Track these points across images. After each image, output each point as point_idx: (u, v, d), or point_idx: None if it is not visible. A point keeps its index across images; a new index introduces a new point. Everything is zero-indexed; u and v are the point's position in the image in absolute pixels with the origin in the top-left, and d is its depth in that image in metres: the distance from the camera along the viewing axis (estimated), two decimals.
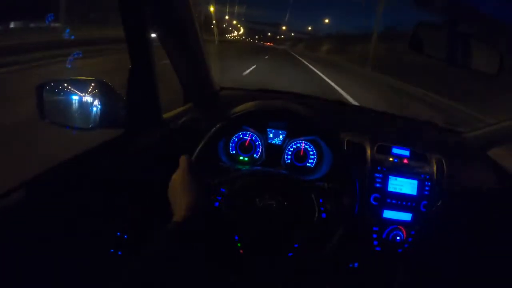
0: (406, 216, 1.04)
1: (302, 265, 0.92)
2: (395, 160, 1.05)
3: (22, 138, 2.74)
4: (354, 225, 0.94)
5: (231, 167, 1.06)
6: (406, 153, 1.06)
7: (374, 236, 1.03)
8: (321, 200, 0.92)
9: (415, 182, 1.05)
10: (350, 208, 0.92)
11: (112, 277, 0.58)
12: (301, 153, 1.12)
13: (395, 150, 1.06)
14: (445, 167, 1.08)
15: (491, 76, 1.01)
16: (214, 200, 0.91)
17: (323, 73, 13.80)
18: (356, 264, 1.05)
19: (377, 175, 1.03)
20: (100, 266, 0.88)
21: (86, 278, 0.84)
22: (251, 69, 11.83)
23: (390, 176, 1.04)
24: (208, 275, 0.89)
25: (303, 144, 1.12)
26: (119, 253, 0.96)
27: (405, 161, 1.06)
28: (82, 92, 0.88)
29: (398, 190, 1.04)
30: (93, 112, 0.89)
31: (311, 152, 1.12)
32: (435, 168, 1.07)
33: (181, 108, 1.16)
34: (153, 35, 0.93)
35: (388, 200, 1.03)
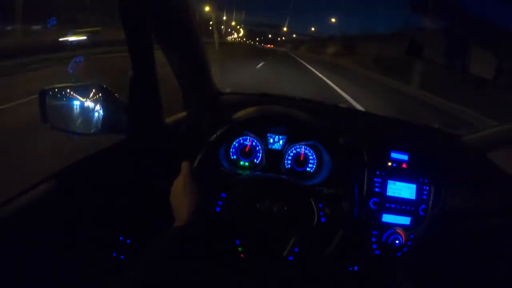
0: (405, 220, 1.05)
1: (302, 269, 0.92)
2: (394, 165, 1.06)
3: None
4: (353, 229, 0.95)
5: (232, 172, 1.06)
6: (405, 157, 1.07)
7: (373, 240, 1.04)
8: (320, 205, 0.93)
9: (413, 186, 1.06)
10: (349, 213, 0.92)
11: (115, 281, 0.59)
12: (301, 158, 1.12)
13: (394, 155, 1.06)
14: (444, 170, 1.09)
15: (489, 80, 1.02)
16: (215, 205, 0.92)
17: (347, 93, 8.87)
18: (355, 268, 1.05)
19: (376, 179, 1.04)
20: (103, 270, 0.88)
21: (89, 282, 0.85)
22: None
23: (389, 181, 1.05)
24: (209, 279, 0.89)
25: (303, 149, 1.13)
26: (122, 257, 0.97)
27: (404, 165, 1.06)
28: (84, 98, 0.89)
29: (397, 195, 1.05)
30: (95, 118, 0.90)
31: (311, 157, 1.13)
32: (433, 172, 1.08)
33: (182, 113, 1.17)
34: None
35: (387, 204, 1.04)
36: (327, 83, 11.14)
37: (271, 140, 1.13)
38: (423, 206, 1.05)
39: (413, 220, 1.05)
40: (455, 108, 8.75)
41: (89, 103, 0.89)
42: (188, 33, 0.96)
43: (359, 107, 7.02)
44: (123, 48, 0.86)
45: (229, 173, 1.05)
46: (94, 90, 0.90)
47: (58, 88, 0.88)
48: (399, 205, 1.04)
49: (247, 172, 1.05)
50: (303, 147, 1.13)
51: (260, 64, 15.06)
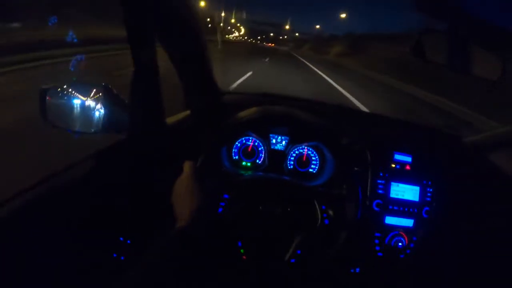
0: (408, 222, 1.04)
1: (304, 271, 0.92)
2: (397, 167, 1.05)
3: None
4: (356, 231, 0.94)
5: (234, 172, 1.06)
6: (408, 159, 1.06)
7: (376, 241, 1.03)
8: (323, 207, 0.92)
9: (417, 188, 1.05)
10: (353, 214, 0.92)
11: (115, 282, 0.58)
12: (304, 158, 1.12)
13: (397, 156, 1.06)
14: (447, 172, 1.08)
15: (493, 82, 1.01)
16: (217, 206, 0.91)
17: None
18: (357, 269, 1.04)
19: (379, 181, 1.03)
20: (103, 270, 0.88)
21: (89, 282, 0.84)
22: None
23: (392, 182, 1.04)
24: (210, 280, 0.89)
25: (306, 150, 1.12)
26: (122, 257, 0.96)
27: (407, 167, 1.06)
28: (85, 96, 0.88)
29: (400, 196, 1.04)
30: (96, 117, 0.89)
31: (313, 158, 1.12)
32: (437, 174, 1.07)
33: (184, 113, 1.16)
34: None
35: (390, 206, 1.03)
36: (341, 92, 9.59)
37: (274, 141, 1.13)
38: (426, 208, 1.04)
39: (416, 222, 1.04)
40: (455, 108, 8.77)
41: (90, 102, 0.89)
42: (190, 32, 0.96)
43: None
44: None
45: (231, 173, 1.05)
46: (95, 89, 0.89)
47: (58, 86, 0.87)
48: (402, 207, 1.03)
49: (249, 172, 1.05)
50: (305, 147, 1.12)
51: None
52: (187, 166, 0.79)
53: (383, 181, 1.03)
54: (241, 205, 0.91)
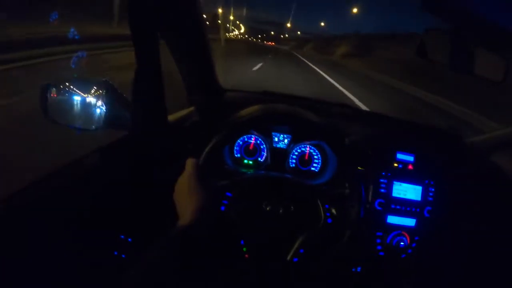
0: (410, 222, 1.04)
1: (306, 270, 0.92)
2: (400, 166, 1.05)
3: None
4: (358, 230, 0.94)
5: (236, 170, 1.05)
6: (411, 158, 1.06)
7: (378, 241, 1.03)
8: (326, 206, 0.92)
9: (419, 187, 1.05)
10: (356, 213, 0.91)
11: (116, 280, 0.58)
12: (306, 157, 1.12)
13: (400, 156, 1.05)
14: (449, 172, 1.08)
15: (497, 83, 1.01)
16: (220, 204, 0.91)
17: None
18: (359, 269, 1.04)
19: (381, 180, 1.03)
20: (104, 269, 0.87)
21: (90, 281, 0.84)
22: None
23: (394, 182, 1.04)
24: (212, 279, 0.89)
25: (308, 148, 1.12)
26: (123, 256, 0.96)
27: (410, 166, 1.05)
28: (86, 93, 0.88)
29: (402, 196, 1.04)
30: (97, 113, 0.88)
31: (315, 157, 1.12)
32: (439, 173, 1.07)
33: (186, 111, 1.16)
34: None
35: (393, 206, 1.03)
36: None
37: (276, 139, 1.12)
38: (429, 208, 1.04)
39: (418, 222, 1.04)
40: (455, 109, 8.71)
41: (91, 99, 0.88)
42: (193, 29, 0.95)
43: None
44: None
45: (233, 171, 1.04)
46: (97, 85, 0.89)
47: (60, 82, 0.87)
48: (404, 207, 1.03)
49: (251, 171, 1.04)
50: (308, 146, 1.12)
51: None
52: (189, 164, 0.78)
53: (385, 180, 1.03)
54: (243, 203, 0.90)
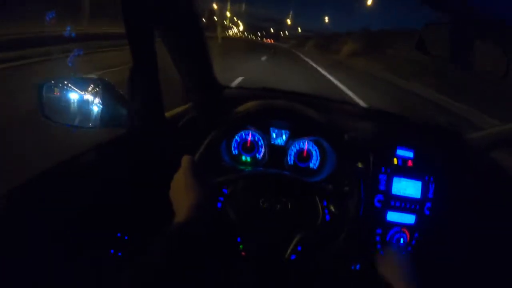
0: (409, 219, 1.03)
1: (305, 268, 0.91)
2: (399, 162, 1.04)
3: None
4: (357, 227, 0.93)
5: (233, 167, 1.05)
6: (410, 154, 1.05)
7: (378, 238, 1.02)
8: (325, 203, 0.91)
9: (419, 184, 1.04)
10: (355, 211, 0.91)
11: (113, 278, 0.57)
12: (304, 153, 1.11)
13: (400, 152, 1.05)
14: (449, 169, 1.07)
15: (498, 78, 1.00)
16: (216, 201, 0.90)
17: None
18: (358, 266, 1.04)
19: (381, 176, 1.02)
20: (100, 267, 0.87)
21: (86, 279, 0.84)
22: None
23: (394, 178, 1.03)
24: (209, 277, 0.88)
25: (306, 145, 1.11)
26: (119, 254, 0.95)
27: (410, 163, 1.05)
28: (83, 91, 0.87)
29: (402, 192, 1.03)
30: (94, 111, 0.88)
31: (314, 153, 1.11)
32: (439, 170, 1.06)
33: (183, 107, 1.15)
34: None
35: (392, 202, 1.02)
36: None
37: (274, 135, 1.11)
38: (428, 204, 1.04)
39: (418, 219, 1.03)
40: (455, 106, 8.60)
41: (88, 96, 0.88)
42: (189, 26, 0.94)
43: None
44: None
45: (231, 168, 1.04)
46: (93, 83, 0.88)
47: (56, 80, 0.86)
48: (404, 203, 1.03)
49: (249, 167, 1.03)
50: (306, 142, 1.11)
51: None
52: (184, 161, 0.78)
53: (385, 177, 1.02)
54: (240, 201, 0.90)
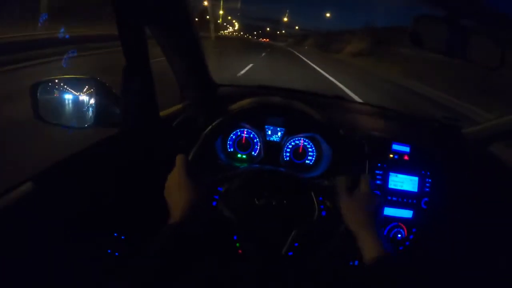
0: (407, 213, 1.03)
1: (302, 264, 0.91)
2: (396, 157, 1.04)
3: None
4: None
5: (229, 165, 1.04)
6: (407, 149, 1.05)
7: None
8: (320, 198, 0.91)
9: (415, 178, 1.04)
10: None
11: (110, 278, 0.57)
12: (300, 150, 1.11)
13: (396, 147, 1.05)
14: (446, 163, 1.07)
15: (492, 70, 1.00)
16: (211, 200, 0.90)
17: None
18: (356, 262, 1.04)
19: (377, 171, 1.02)
20: (97, 266, 0.87)
21: (84, 279, 0.83)
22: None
23: (390, 173, 1.03)
24: (206, 275, 0.88)
25: (302, 141, 1.11)
26: (116, 253, 0.95)
27: (406, 157, 1.05)
28: (77, 91, 0.87)
29: (398, 187, 1.03)
30: (89, 111, 0.88)
31: (310, 149, 1.11)
32: (436, 164, 1.06)
33: (178, 106, 1.15)
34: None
35: (389, 197, 1.02)
36: None
37: (269, 132, 1.11)
38: (425, 199, 1.04)
39: (415, 214, 1.04)
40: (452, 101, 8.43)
41: (82, 97, 0.87)
42: (183, 25, 0.94)
43: None
44: None
45: (226, 166, 1.03)
46: (87, 83, 0.88)
47: (50, 81, 0.86)
48: (401, 198, 1.03)
49: (245, 164, 1.03)
50: (302, 139, 1.11)
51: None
52: (178, 160, 0.78)
53: (381, 172, 1.02)
54: (236, 198, 0.89)
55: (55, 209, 0.78)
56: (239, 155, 1.11)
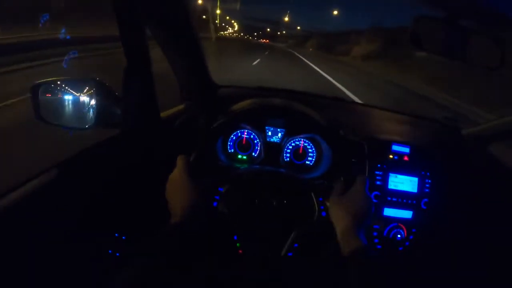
0: (406, 214, 1.03)
1: (301, 265, 0.91)
2: (395, 157, 1.04)
3: None
4: None
5: (230, 166, 1.05)
6: (406, 150, 1.05)
7: (375, 234, 1.03)
8: (320, 199, 0.91)
9: (415, 179, 1.04)
10: None
11: (111, 278, 0.58)
12: (300, 151, 1.11)
13: (395, 147, 1.05)
14: (445, 163, 1.07)
15: (492, 70, 1.00)
16: (212, 200, 0.90)
17: None
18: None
19: (377, 172, 1.02)
20: (98, 267, 0.87)
21: (84, 279, 0.84)
22: None
23: (390, 174, 1.03)
24: (207, 275, 0.88)
25: (302, 142, 1.11)
26: (117, 254, 0.95)
27: (405, 158, 1.05)
28: (78, 92, 0.88)
29: (398, 188, 1.03)
30: (90, 112, 0.88)
31: (310, 150, 1.11)
32: (435, 165, 1.06)
33: (179, 107, 1.15)
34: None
35: (389, 198, 1.02)
36: None
37: (270, 133, 1.11)
38: (425, 199, 1.04)
39: (415, 214, 1.04)
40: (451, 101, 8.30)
41: (83, 97, 0.88)
42: (183, 25, 0.95)
43: None
44: None
45: (227, 167, 1.04)
46: (88, 84, 0.88)
47: (51, 82, 0.86)
48: (400, 199, 1.03)
49: (245, 165, 1.04)
50: (302, 140, 1.11)
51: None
52: (179, 160, 0.78)
53: (381, 173, 1.02)
54: (236, 198, 0.90)
55: (56, 210, 0.78)
56: (239, 156, 1.11)
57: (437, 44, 0.97)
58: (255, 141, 1.11)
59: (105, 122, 0.89)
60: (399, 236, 1.03)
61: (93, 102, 0.88)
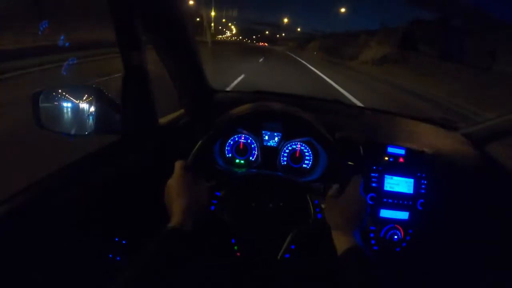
0: (403, 215, 1.04)
1: (299, 267, 0.92)
2: (391, 159, 1.05)
3: None
4: None
5: (227, 170, 1.06)
6: (402, 152, 1.06)
7: (371, 235, 1.04)
8: (316, 201, 0.92)
9: (411, 180, 1.05)
10: None
11: (111, 282, 0.59)
12: (297, 154, 1.12)
13: (391, 149, 1.06)
14: (442, 164, 1.08)
15: (485, 70, 1.01)
16: (210, 204, 0.91)
17: None
18: None
19: (373, 174, 1.03)
20: (99, 271, 0.88)
21: (85, 283, 0.84)
22: None
23: (386, 175, 1.04)
24: (205, 278, 0.89)
25: (299, 146, 1.12)
26: (118, 258, 0.96)
27: (401, 159, 1.06)
28: (77, 99, 0.89)
29: (394, 189, 1.04)
30: (89, 119, 0.89)
31: (306, 154, 1.12)
32: (431, 166, 1.07)
33: (177, 113, 1.16)
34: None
35: (385, 199, 1.04)
36: None
37: (266, 137, 1.13)
38: (421, 200, 1.05)
39: (411, 215, 1.05)
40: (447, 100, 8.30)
41: (82, 104, 0.89)
42: (179, 31, 0.96)
43: None
44: None
45: (225, 171, 1.05)
46: (87, 91, 0.89)
47: (51, 89, 0.87)
48: (396, 200, 1.04)
49: (243, 170, 1.05)
50: (298, 143, 1.12)
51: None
52: (177, 165, 0.79)
53: (376, 174, 1.04)
54: (234, 202, 0.91)
55: (56, 215, 0.79)
56: (237, 160, 1.13)
57: (432, 46, 0.98)
58: (252, 146, 1.13)
59: (104, 128, 0.90)
60: (396, 237, 1.04)
61: (92, 109, 0.89)
